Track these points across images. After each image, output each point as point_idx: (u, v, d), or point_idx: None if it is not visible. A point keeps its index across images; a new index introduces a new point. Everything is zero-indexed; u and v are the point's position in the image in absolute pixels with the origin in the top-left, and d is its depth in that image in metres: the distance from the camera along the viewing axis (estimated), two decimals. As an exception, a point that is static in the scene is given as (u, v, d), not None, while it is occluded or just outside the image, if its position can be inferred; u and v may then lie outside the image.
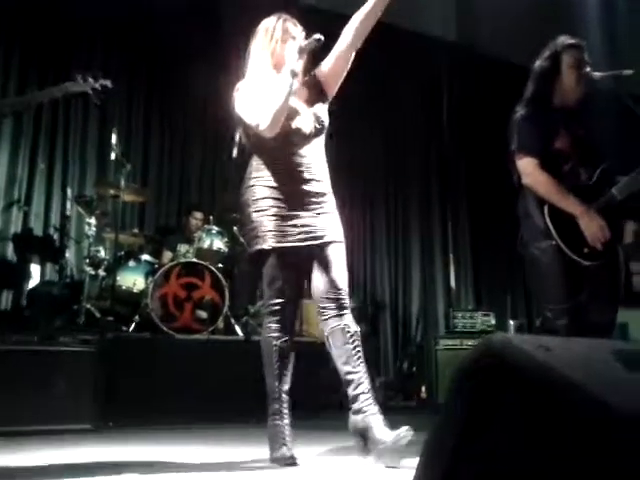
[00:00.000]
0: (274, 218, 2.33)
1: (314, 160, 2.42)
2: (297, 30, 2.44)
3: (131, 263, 4.96)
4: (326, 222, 2.39)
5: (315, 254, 2.38)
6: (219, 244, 5.04)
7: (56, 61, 5.53)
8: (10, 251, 5.28)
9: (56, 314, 4.38)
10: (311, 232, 2.35)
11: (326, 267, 2.35)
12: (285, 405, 2.35)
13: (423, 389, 5.03)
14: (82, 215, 5.15)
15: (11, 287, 5.21)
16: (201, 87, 6.13)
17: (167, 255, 5.23)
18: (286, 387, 2.36)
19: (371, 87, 6.87)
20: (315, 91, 2.49)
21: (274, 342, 2.35)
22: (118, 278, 4.74)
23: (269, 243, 2.32)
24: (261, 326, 4.88)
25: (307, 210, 2.36)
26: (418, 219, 7.12)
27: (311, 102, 2.46)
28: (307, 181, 2.38)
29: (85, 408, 3.39)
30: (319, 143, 2.46)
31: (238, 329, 4.68)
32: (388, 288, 6.83)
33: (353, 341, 2.26)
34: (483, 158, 6.69)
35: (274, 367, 2.34)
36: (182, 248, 5.06)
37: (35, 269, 5.29)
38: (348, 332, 2.27)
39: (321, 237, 2.36)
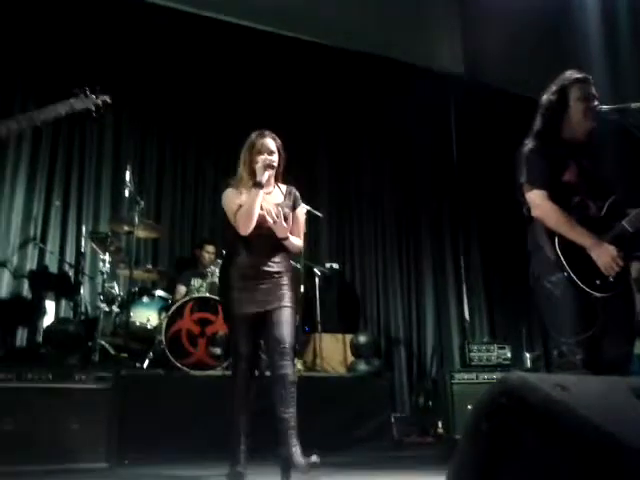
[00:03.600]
0: (237, 292, 2.97)
1: (276, 248, 3.03)
2: (273, 143, 3.04)
3: (145, 299, 4.99)
4: (277, 292, 2.98)
5: (267, 318, 2.94)
6: (232, 279, 5.05)
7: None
8: (25, 288, 5.34)
9: (71, 351, 4.40)
10: (265, 301, 2.95)
11: (274, 326, 2.92)
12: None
13: (440, 424, 4.96)
14: (96, 252, 5.21)
15: (26, 324, 5.25)
16: (214, 122, 6.27)
17: (181, 290, 5.26)
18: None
19: (382, 125, 7.00)
20: (288, 200, 3.13)
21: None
22: (132, 314, 4.77)
23: (234, 308, 2.97)
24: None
25: (265, 284, 2.97)
26: (430, 252, 7.12)
27: (280, 204, 3.07)
28: (267, 263, 2.99)
29: (100, 446, 3.38)
30: (282, 236, 3.01)
31: (252, 364, 4.67)
32: (402, 323, 6.79)
33: (288, 388, 2.85)
34: (494, 190, 6.71)
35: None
36: (196, 282, 5.10)
37: (50, 306, 5.34)
38: (287, 380, 2.85)
39: (272, 303, 2.96)
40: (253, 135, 3.09)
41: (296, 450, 2.79)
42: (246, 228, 2.94)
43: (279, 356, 2.88)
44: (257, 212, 2.94)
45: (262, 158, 3.00)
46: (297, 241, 3.13)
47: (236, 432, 2.96)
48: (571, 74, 2.72)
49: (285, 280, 3.04)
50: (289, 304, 3.00)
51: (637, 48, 6.00)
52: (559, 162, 2.65)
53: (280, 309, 2.95)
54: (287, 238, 3.04)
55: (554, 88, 2.71)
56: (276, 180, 3.13)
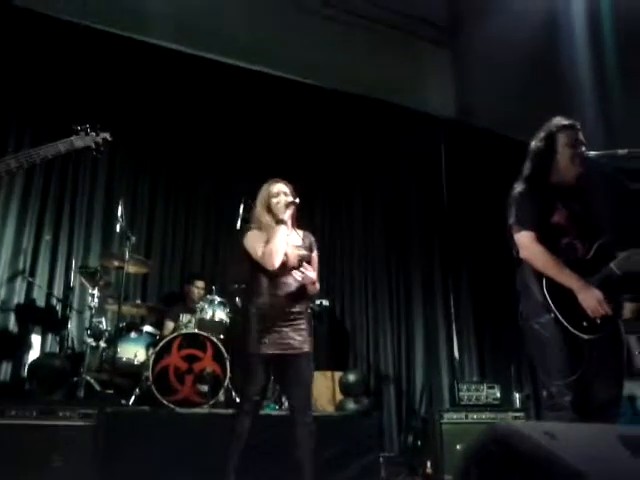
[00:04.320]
0: (258, 329, 3.00)
1: (295, 286, 3.10)
2: (285, 187, 3.24)
3: (132, 334, 4.94)
4: (298, 337, 3.05)
5: (289, 361, 3.01)
6: (221, 315, 5.03)
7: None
8: (12, 322, 5.28)
9: (56, 387, 4.33)
10: (286, 344, 3.01)
11: (299, 374, 3.04)
12: None
13: (428, 464, 4.91)
14: (85, 286, 5.18)
15: (11, 358, 5.17)
16: (206, 159, 6.32)
17: (169, 325, 5.22)
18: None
19: (373, 166, 7.09)
20: (306, 243, 3.25)
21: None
22: (119, 349, 4.72)
23: (252, 348, 2.98)
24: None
25: (286, 326, 3.03)
26: (420, 291, 7.11)
27: (299, 246, 3.20)
28: (288, 303, 3.07)
29: (84, 485, 3.32)
30: (312, 281, 3.11)
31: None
32: (391, 361, 6.75)
33: (312, 436, 2.97)
34: (484, 230, 6.77)
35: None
36: (184, 318, 5.06)
37: (36, 340, 5.28)
38: (312, 429, 2.98)
39: (293, 347, 3.02)
40: (268, 181, 3.29)
41: None
42: (273, 262, 3.02)
43: (305, 405, 3.02)
44: (283, 246, 3.06)
45: (283, 198, 3.19)
46: (316, 284, 3.22)
47: (229, 469, 2.98)
48: (559, 121, 2.78)
49: (304, 323, 3.12)
50: (310, 350, 3.09)
51: (626, 92, 6.14)
52: (548, 204, 2.70)
53: (304, 356, 3.05)
54: (315, 282, 3.14)
55: (542, 135, 2.78)
56: (292, 225, 3.26)
